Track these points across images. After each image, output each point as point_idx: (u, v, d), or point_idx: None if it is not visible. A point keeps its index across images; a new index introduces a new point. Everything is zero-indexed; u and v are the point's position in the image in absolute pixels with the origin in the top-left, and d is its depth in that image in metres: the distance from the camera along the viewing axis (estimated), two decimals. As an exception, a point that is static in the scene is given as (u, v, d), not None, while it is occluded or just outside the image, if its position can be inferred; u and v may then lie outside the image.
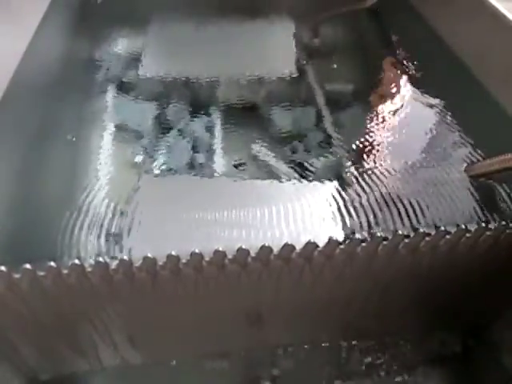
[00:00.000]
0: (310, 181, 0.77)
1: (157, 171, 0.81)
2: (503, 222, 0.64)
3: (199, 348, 0.82)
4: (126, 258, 0.56)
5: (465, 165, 0.75)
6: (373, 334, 0.85)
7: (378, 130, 0.88)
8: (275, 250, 0.59)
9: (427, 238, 0.62)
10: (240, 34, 1.14)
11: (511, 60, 0.80)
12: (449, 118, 0.86)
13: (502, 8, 0.83)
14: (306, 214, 0.70)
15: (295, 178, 0.79)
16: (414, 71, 1.00)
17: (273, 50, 1.12)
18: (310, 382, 0.96)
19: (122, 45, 1.10)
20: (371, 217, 0.69)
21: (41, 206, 0.69)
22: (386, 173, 0.76)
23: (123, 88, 0.98)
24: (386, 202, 0.71)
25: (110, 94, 0.96)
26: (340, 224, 0.68)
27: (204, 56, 1.07)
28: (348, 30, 1.17)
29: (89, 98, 0.94)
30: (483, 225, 0.64)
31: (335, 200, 0.72)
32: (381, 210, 0.70)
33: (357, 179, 0.76)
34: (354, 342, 0.85)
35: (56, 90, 0.90)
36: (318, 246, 0.59)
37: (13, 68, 0.83)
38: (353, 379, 0.94)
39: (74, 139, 0.77)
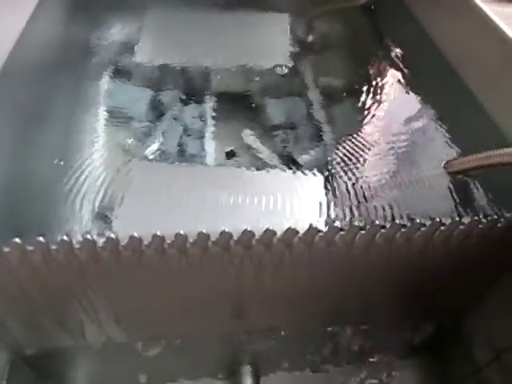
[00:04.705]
0: (298, 171, 0.79)
1: (148, 156, 0.82)
2: (476, 218, 0.67)
3: (182, 329, 0.84)
4: (112, 236, 0.58)
5: (444, 162, 0.77)
6: (350, 321, 0.88)
7: (365, 125, 0.90)
8: (257, 234, 0.61)
9: (403, 230, 0.65)
10: (236, 25, 1.15)
11: (495, 63, 0.83)
12: (432, 116, 0.88)
13: (489, 11, 0.85)
14: (290, 202, 0.72)
15: (284, 168, 0.81)
16: (403, 69, 1.02)
17: (268, 41, 1.13)
18: (290, 366, 0.99)
19: (118, 30, 1.11)
20: (352, 208, 0.71)
21: (32, 184, 0.70)
22: (369, 166, 0.79)
23: (118, 73, 0.99)
24: (368, 195, 0.73)
25: (105, 79, 0.96)
26: (322, 213, 0.70)
27: (200, 45, 1.08)
28: (342, 26, 1.18)
29: (83, 83, 0.94)
30: (457, 219, 0.67)
31: (320, 190, 0.74)
32: (362, 201, 0.72)
33: (342, 171, 0.78)
34: (331, 329, 0.88)
35: (51, 74, 0.90)
36: (298, 233, 0.62)
37: (7, 51, 0.84)
38: (329, 365, 0.97)
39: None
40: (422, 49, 1.05)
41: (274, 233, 0.61)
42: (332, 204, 0.71)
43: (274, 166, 0.83)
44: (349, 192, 0.74)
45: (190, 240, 0.60)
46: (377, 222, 0.65)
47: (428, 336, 0.94)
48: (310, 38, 1.15)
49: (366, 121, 0.91)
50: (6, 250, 0.58)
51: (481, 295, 0.82)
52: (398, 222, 0.67)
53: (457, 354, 0.92)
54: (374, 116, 0.92)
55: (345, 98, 1.00)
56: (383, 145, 0.84)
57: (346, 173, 0.78)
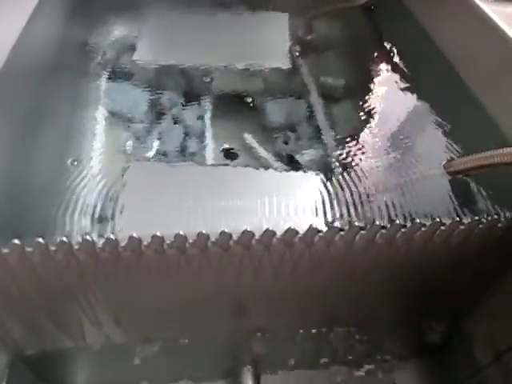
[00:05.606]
0: (297, 171, 0.79)
1: (148, 157, 0.82)
2: (476, 218, 0.67)
3: (181, 329, 0.84)
4: (112, 236, 0.58)
5: (444, 161, 0.77)
6: (350, 321, 0.88)
7: (364, 125, 0.90)
8: (257, 234, 0.61)
9: (403, 230, 0.65)
10: (235, 25, 1.15)
11: (495, 62, 0.83)
12: (433, 115, 0.88)
13: (489, 11, 0.85)
14: (290, 202, 0.71)
15: (284, 168, 0.81)
16: (403, 69, 1.02)
17: (267, 41, 1.13)
18: (290, 366, 0.99)
19: (117, 31, 1.11)
20: (352, 208, 0.71)
21: (31, 185, 0.70)
22: (369, 166, 0.78)
23: (117, 74, 0.99)
24: (367, 195, 0.73)
25: (104, 80, 0.96)
26: (322, 213, 0.70)
27: (199, 45, 1.08)
28: (342, 26, 1.18)
29: (82, 83, 0.94)
30: (457, 219, 0.67)
31: (320, 191, 0.74)
32: (362, 201, 0.72)
33: (342, 172, 0.78)
34: (332, 329, 0.88)
35: (50, 75, 0.90)
36: (298, 233, 0.62)
37: (6, 51, 0.84)
38: (330, 365, 0.97)
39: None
40: (421, 49, 1.05)
41: (274, 233, 0.61)
42: (332, 204, 0.71)
43: (274, 166, 0.83)
44: (349, 192, 0.73)
45: (190, 240, 0.60)
46: (377, 222, 0.65)
47: (428, 336, 0.94)
48: (310, 38, 1.15)
49: (365, 121, 0.91)
50: (5, 251, 0.57)
51: (481, 295, 0.82)
52: (398, 222, 0.66)
53: (457, 354, 0.92)
54: (373, 116, 0.92)
55: (344, 97, 1.00)
56: (383, 145, 0.84)
57: (346, 172, 0.77)
